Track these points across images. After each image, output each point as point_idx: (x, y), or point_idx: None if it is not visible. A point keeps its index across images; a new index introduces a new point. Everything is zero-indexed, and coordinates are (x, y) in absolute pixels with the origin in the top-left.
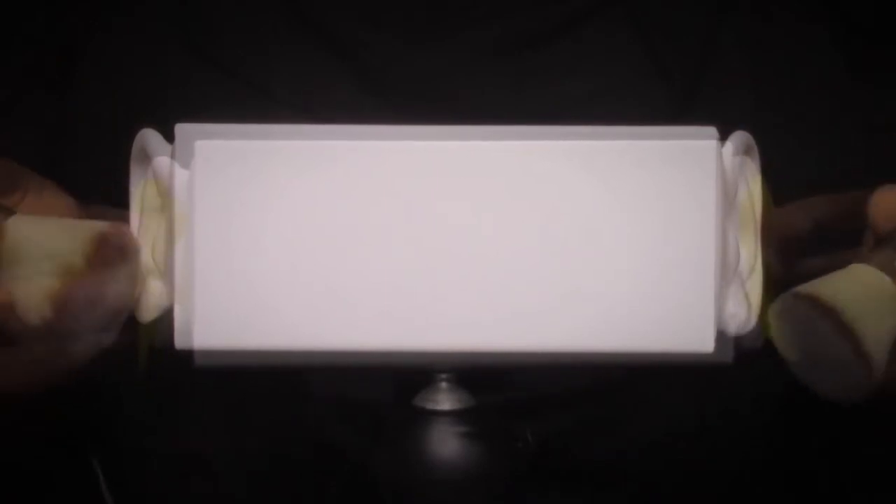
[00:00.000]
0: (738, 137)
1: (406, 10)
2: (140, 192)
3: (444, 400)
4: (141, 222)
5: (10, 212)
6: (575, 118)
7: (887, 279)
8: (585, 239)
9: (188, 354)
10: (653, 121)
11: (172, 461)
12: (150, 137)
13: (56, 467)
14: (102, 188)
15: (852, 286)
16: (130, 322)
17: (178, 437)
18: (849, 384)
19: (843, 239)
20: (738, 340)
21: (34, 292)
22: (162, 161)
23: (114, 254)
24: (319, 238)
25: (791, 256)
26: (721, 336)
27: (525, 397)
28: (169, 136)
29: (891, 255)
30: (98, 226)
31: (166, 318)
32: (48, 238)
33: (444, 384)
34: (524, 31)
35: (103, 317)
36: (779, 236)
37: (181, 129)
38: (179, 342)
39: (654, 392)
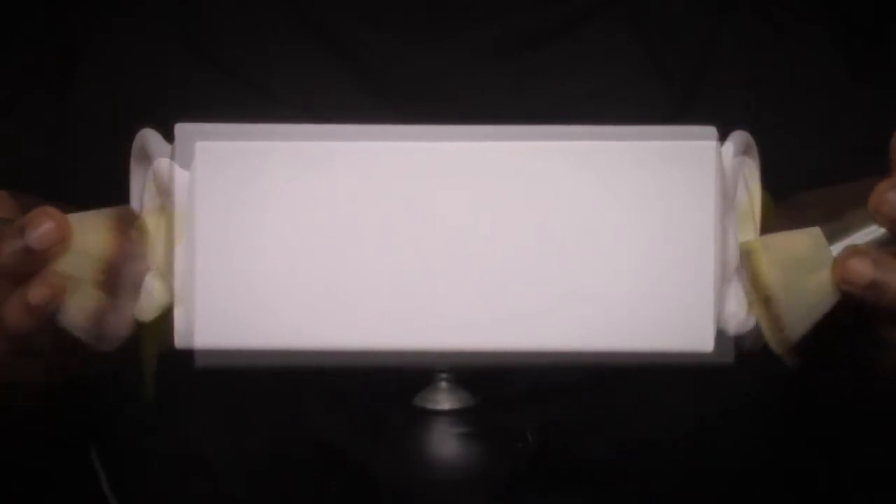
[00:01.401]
0: (738, 137)
1: (406, 10)
2: (140, 192)
3: (444, 400)
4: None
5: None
6: (575, 118)
7: (828, 253)
8: (585, 239)
9: (188, 354)
10: (653, 121)
11: (172, 461)
12: (150, 137)
13: (56, 467)
14: (102, 188)
15: (790, 257)
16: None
17: (178, 437)
18: (768, 346)
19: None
20: (738, 340)
21: (79, 283)
22: (162, 162)
23: (133, 234)
24: (319, 238)
25: None
26: (721, 336)
27: (524, 396)
28: (169, 136)
29: (843, 227)
30: (108, 212)
31: (166, 318)
32: (81, 233)
33: (444, 384)
34: (524, 31)
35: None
36: None
37: (181, 128)
38: (180, 342)
39: (654, 392)
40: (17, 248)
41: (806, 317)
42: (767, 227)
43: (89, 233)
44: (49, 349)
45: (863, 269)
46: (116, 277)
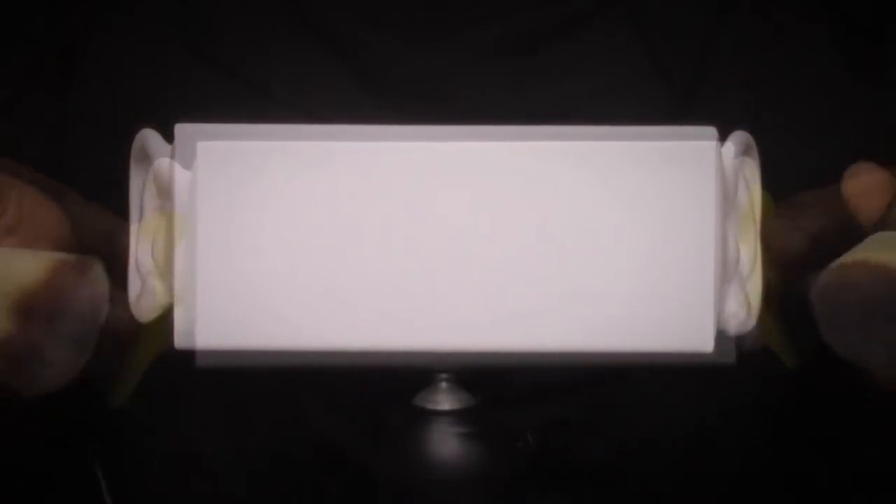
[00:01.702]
0: (738, 137)
1: (406, 10)
2: (140, 192)
3: (444, 400)
4: (141, 222)
5: None
6: (575, 118)
7: None
8: (585, 239)
9: (189, 355)
10: (653, 121)
11: (172, 461)
12: (149, 137)
13: (56, 467)
14: (102, 188)
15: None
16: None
17: (178, 437)
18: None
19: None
20: (738, 340)
21: None
22: (163, 162)
23: (73, 280)
24: (320, 238)
25: (791, 274)
26: (721, 336)
27: (524, 396)
28: (169, 136)
29: None
30: (59, 255)
31: (165, 318)
32: (16, 265)
33: (444, 384)
34: (524, 31)
35: (66, 333)
36: (775, 256)
37: (181, 129)
38: (180, 342)
39: (654, 392)
40: None
41: None
42: (767, 227)
43: (24, 271)
44: None
45: None
46: (33, 317)
